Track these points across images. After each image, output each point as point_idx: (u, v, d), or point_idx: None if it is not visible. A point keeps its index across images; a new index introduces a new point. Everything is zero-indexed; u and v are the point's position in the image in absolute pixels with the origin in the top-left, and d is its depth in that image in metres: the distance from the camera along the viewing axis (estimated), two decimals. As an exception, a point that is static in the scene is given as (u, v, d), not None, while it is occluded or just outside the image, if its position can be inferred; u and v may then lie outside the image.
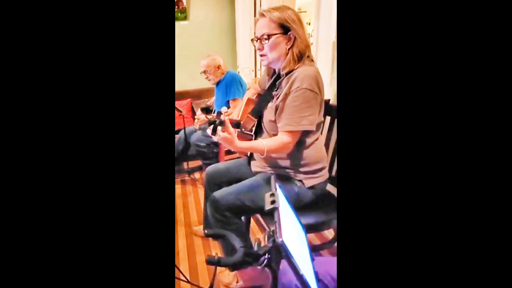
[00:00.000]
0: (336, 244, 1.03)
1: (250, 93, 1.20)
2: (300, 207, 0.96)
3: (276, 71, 1.00)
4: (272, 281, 0.50)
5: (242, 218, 1.02)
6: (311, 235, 1.25)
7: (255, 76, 2.54)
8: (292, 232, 0.48)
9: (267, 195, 0.49)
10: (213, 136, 0.80)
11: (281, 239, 0.39)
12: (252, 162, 1.09)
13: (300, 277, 0.40)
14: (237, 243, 0.49)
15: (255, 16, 2.04)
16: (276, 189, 0.51)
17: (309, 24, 2.38)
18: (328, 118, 1.12)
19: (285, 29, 0.90)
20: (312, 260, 0.52)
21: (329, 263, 0.61)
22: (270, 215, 0.45)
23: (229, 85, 1.76)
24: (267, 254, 0.44)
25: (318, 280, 0.54)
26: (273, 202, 0.47)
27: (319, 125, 0.97)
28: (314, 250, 1.08)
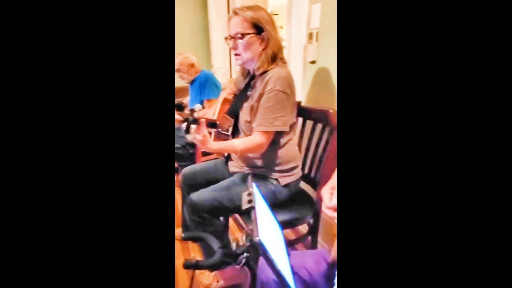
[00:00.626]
0: (310, 237, 1.09)
1: (226, 92, 1.21)
2: (276, 204, 0.99)
3: (251, 71, 1.02)
4: (251, 279, 0.52)
5: (221, 218, 1.03)
6: (287, 231, 1.30)
7: (230, 76, 2.55)
8: (269, 229, 0.50)
9: (244, 194, 0.51)
10: (186, 135, 0.79)
11: (258, 238, 0.41)
12: (230, 163, 1.10)
13: (277, 272, 0.43)
14: (215, 244, 0.50)
15: (228, 13, 2.04)
16: (252, 188, 0.53)
17: (282, 28, 2.43)
18: (300, 119, 1.16)
19: (258, 29, 0.91)
20: (288, 255, 0.55)
21: (304, 256, 0.64)
22: (248, 214, 0.47)
23: (203, 85, 1.74)
24: (245, 253, 0.46)
25: (294, 273, 0.58)
26: (250, 201, 0.49)
27: (292, 126, 1.01)
28: (290, 244, 1.13)
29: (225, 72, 2.55)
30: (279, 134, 0.97)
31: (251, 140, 0.93)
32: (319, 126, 1.08)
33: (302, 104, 1.27)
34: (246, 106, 0.99)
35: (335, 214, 0.59)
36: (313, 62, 1.27)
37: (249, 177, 0.58)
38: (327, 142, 1.04)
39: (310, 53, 1.27)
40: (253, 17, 0.90)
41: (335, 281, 0.43)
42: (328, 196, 0.61)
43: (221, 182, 1.00)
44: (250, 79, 1.04)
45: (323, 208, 0.62)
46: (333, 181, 0.65)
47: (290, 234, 1.32)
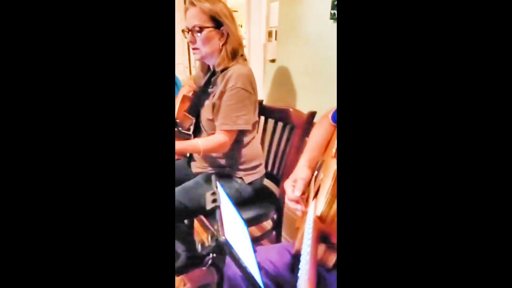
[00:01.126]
0: (274, 232, 1.11)
1: (186, 90, 1.17)
2: (241, 202, 1.00)
3: (211, 67, 1.00)
4: (218, 278, 0.51)
5: (185, 221, 1.01)
6: (252, 228, 1.31)
7: (190, 73, 2.48)
8: (234, 228, 0.50)
9: (208, 194, 0.50)
10: None
11: (224, 237, 0.41)
12: (192, 163, 1.07)
13: (243, 269, 0.43)
14: (179, 248, 0.49)
15: (185, 3, 1.98)
16: (217, 187, 0.52)
17: (241, 26, 2.43)
18: (262, 118, 1.18)
19: (217, 23, 0.89)
20: (255, 251, 0.55)
21: (269, 250, 0.65)
22: (213, 214, 0.46)
23: None
24: (211, 254, 0.45)
25: (260, 268, 0.58)
26: (214, 200, 0.48)
27: (255, 124, 1.02)
28: (256, 241, 1.14)
29: (184, 69, 2.47)
30: (242, 133, 0.97)
31: (214, 139, 0.92)
32: (280, 125, 1.10)
33: (264, 103, 1.29)
34: (207, 103, 0.97)
35: (298, 206, 0.61)
36: (273, 61, 1.29)
37: (213, 177, 0.57)
38: (288, 140, 1.07)
39: (269, 51, 1.28)
40: (211, 10, 0.88)
41: (299, 273, 0.45)
42: (291, 188, 0.63)
43: (184, 184, 0.97)
44: (210, 75, 1.02)
45: (286, 200, 0.64)
46: (294, 174, 0.67)
47: (255, 231, 1.34)
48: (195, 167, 1.05)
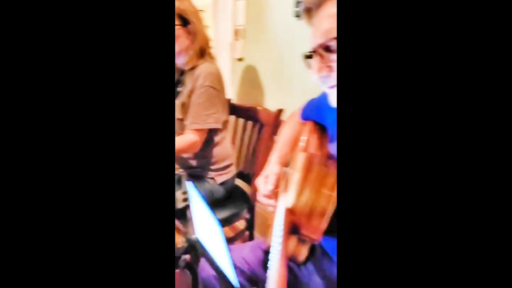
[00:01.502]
0: (247, 232, 1.11)
1: None
2: (213, 203, 0.98)
3: (179, 65, 0.99)
4: (192, 280, 0.50)
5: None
6: (225, 228, 1.30)
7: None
8: (207, 227, 0.49)
9: (179, 193, 0.49)
10: None
11: (194, 236, 0.40)
12: (160, 165, 1.04)
13: (217, 268, 0.42)
14: None
15: None
16: (187, 186, 0.51)
17: (208, 27, 2.39)
18: (232, 117, 1.17)
19: (184, 21, 0.88)
20: (229, 250, 0.55)
21: (242, 248, 0.65)
22: (184, 215, 0.45)
23: None
24: (183, 256, 0.44)
25: (235, 267, 0.58)
26: (185, 199, 0.47)
27: (225, 123, 1.01)
28: (229, 241, 1.13)
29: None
30: (212, 132, 0.96)
31: (185, 139, 0.90)
32: (250, 124, 1.11)
33: (232, 101, 1.28)
34: (177, 103, 0.95)
35: (270, 201, 0.61)
36: (240, 59, 1.29)
37: (182, 177, 0.55)
38: (258, 139, 1.07)
39: (237, 50, 1.28)
40: (178, 7, 0.87)
41: (269, 268, 0.45)
42: (263, 185, 0.63)
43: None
44: (179, 74, 0.99)
45: (258, 197, 0.64)
46: (266, 171, 0.67)
47: (229, 231, 1.33)
48: (164, 169, 1.02)
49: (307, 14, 0.48)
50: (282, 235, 0.47)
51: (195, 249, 0.42)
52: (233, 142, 1.17)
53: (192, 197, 0.50)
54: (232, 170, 1.06)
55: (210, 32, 1.47)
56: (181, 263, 0.44)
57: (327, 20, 0.45)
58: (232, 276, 0.45)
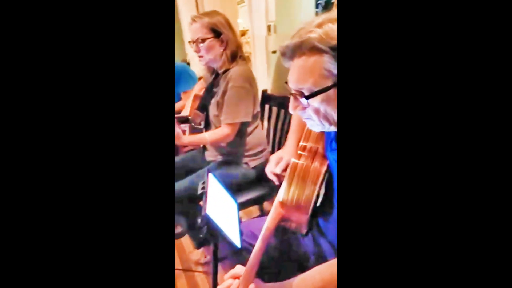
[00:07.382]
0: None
1: (198, 88, 1.34)
2: (246, 184, 1.16)
3: (215, 69, 1.15)
4: (212, 256, 0.64)
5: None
6: (254, 208, 1.38)
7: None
8: (221, 207, 0.65)
9: (200, 183, 0.66)
10: None
11: (205, 212, 0.56)
12: (206, 153, 1.26)
13: (221, 234, 0.57)
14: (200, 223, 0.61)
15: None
16: (207, 178, 0.68)
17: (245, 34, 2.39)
18: (266, 107, 1.30)
19: (216, 33, 1.04)
20: (240, 223, 0.68)
21: (252, 223, 0.76)
22: (201, 199, 0.62)
23: (178, 78, 1.76)
24: (202, 234, 0.56)
25: (242, 240, 0.71)
26: (203, 188, 0.64)
27: (256, 115, 1.16)
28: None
29: (201, 59, 2.55)
30: (244, 124, 1.12)
31: (219, 132, 1.08)
32: (283, 112, 1.22)
33: (268, 91, 1.40)
34: (213, 102, 1.13)
35: (274, 178, 0.72)
36: (274, 52, 1.38)
37: (206, 171, 0.71)
38: (289, 125, 1.17)
39: (270, 43, 1.38)
40: (209, 23, 1.03)
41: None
42: (274, 162, 0.73)
43: (197, 172, 1.16)
44: (214, 77, 1.17)
45: (266, 170, 0.74)
46: (282, 152, 0.76)
47: (257, 210, 1.41)
48: (208, 155, 1.23)
49: (284, 58, 0.52)
50: (269, 221, 0.59)
51: (209, 223, 0.57)
52: (269, 129, 1.30)
53: (210, 185, 0.66)
54: (266, 155, 1.20)
55: (247, 27, 1.56)
56: (201, 240, 0.57)
57: (298, 70, 0.49)
58: (236, 240, 0.61)
